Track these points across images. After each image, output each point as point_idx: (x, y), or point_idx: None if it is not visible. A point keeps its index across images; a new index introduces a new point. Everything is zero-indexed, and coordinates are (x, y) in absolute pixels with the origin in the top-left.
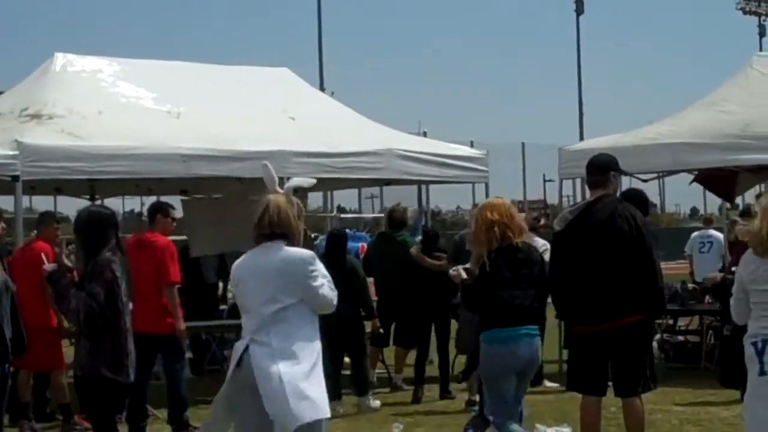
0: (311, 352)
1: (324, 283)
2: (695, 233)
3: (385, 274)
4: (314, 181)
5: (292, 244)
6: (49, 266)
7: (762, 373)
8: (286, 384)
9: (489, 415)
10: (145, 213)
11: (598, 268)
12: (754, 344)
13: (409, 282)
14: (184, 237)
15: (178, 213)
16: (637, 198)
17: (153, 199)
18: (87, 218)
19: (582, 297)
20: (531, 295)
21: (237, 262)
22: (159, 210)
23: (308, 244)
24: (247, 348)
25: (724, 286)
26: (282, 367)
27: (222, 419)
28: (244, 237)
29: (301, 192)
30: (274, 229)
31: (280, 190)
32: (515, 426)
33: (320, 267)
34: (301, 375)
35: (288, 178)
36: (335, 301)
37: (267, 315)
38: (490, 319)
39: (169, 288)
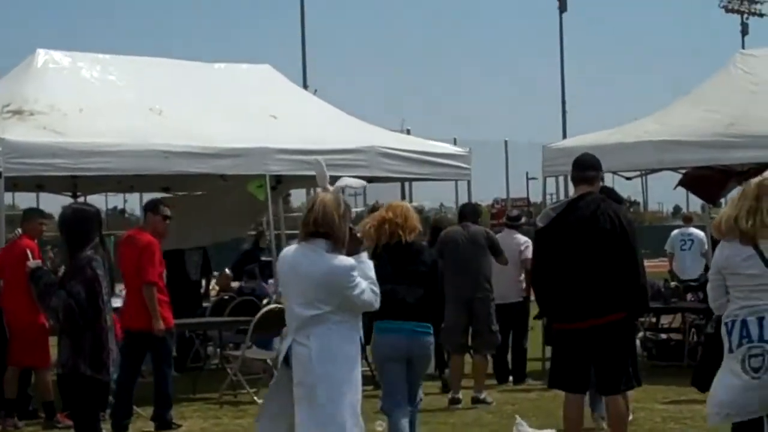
0: (349, 354)
1: (364, 288)
2: (675, 231)
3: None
4: (364, 182)
5: (335, 244)
6: (32, 263)
7: (730, 350)
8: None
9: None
10: (128, 210)
11: (581, 265)
12: (725, 324)
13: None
14: None
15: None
16: (611, 197)
17: (135, 196)
18: (71, 216)
19: (564, 294)
20: (417, 293)
21: (282, 254)
22: (149, 207)
23: (355, 243)
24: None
25: None
26: (319, 371)
27: (276, 417)
28: (221, 229)
29: (283, 190)
30: (318, 228)
31: (330, 188)
32: (403, 422)
33: (366, 268)
34: (337, 382)
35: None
36: (378, 301)
37: (306, 317)
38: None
39: (146, 287)
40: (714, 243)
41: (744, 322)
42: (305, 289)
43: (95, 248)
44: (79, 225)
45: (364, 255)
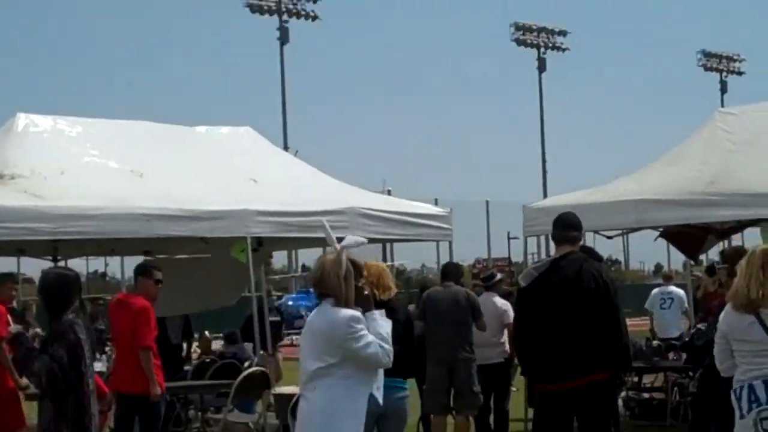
0: (352, 410)
1: (370, 341)
2: (655, 290)
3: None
4: (364, 240)
5: (339, 303)
6: (14, 328)
7: (741, 416)
8: None
9: None
10: (109, 273)
11: (564, 325)
12: (734, 391)
13: None
14: None
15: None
16: (591, 256)
17: (117, 259)
18: (52, 281)
19: (547, 354)
20: None
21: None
22: (141, 271)
23: (365, 301)
24: (297, 400)
25: (692, 343)
26: (319, 424)
27: None
28: (206, 297)
29: (265, 251)
30: (320, 289)
31: (337, 247)
32: None
33: (378, 326)
34: None
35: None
36: (388, 358)
37: (312, 370)
38: None
39: (143, 352)
40: (696, 302)
41: (751, 387)
42: (314, 343)
43: (76, 312)
44: (60, 289)
45: (378, 313)
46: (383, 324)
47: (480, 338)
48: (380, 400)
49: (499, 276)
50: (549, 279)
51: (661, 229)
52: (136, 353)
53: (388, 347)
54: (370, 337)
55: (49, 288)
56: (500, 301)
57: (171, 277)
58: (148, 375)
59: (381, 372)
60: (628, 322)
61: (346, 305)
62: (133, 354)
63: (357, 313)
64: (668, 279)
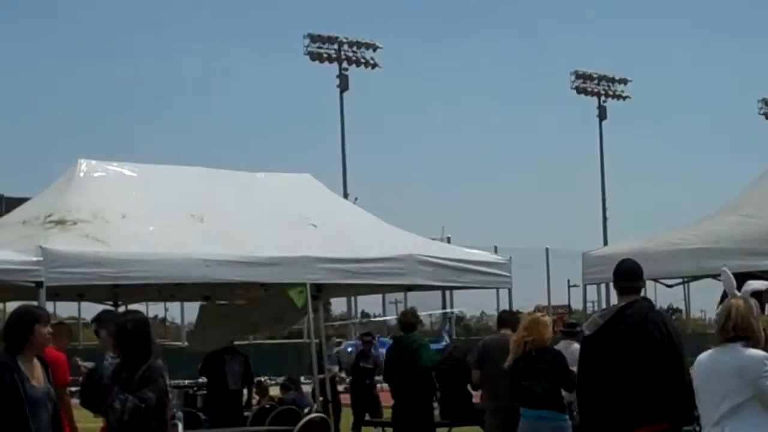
0: None
1: None
2: None
3: (395, 376)
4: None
5: (751, 344)
6: (88, 364)
7: None
8: None
9: None
10: (169, 318)
11: (627, 373)
12: None
13: (415, 385)
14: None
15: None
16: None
17: (177, 305)
18: (133, 329)
19: (608, 403)
20: (543, 385)
21: (697, 360)
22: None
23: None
24: None
25: None
26: None
27: None
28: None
29: (324, 298)
30: (738, 333)
31: (738, 294)
32: None
33: None
34: None
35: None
36: None
37: (720, 413)
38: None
39: None
40: None
41: None
42: (719, 385)
43: (160, 357)
44: (143, 337)
45: None
46: None
47: None
48: None
49: (580, 328)
50: (614, 328)
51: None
52: None
53: None
54: None
55: (132, 337)
56: (575, 345)
57: (227, 317)
58: None
59: None
60: (690, 370)
61: (756, 346)
62: None
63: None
64: None
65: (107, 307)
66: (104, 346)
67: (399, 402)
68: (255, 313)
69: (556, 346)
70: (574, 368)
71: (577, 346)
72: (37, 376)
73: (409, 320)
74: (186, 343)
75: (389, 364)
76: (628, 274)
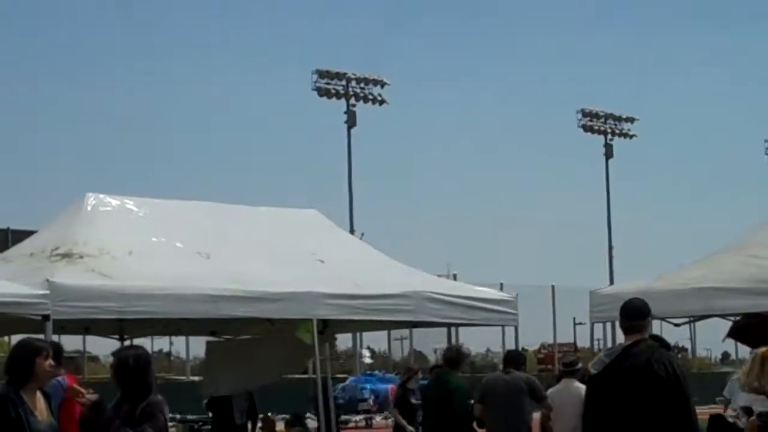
0: None
1: None
2: (735, 376)
3: (429, 412)
4: None
5: None
6: (92, 396)
7: None
8: None
9: None
10: (174, 353)
11: (634, 413)
12: None
13: (448, 425)
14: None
15: (200, 353)
16: (661, 344)
17: (182, 339)
18: (134, 364)
19: None
20: None
21: None
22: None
23: None
24: None
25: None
26: None
27: None
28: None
29: (330, 333)
30: None
31: None
32: None
33: None
34: None
35: None
36: None
37: None
38: None
39: None
40: None
41: None
42: None
43: (159, 393)
44: (144, 372)
45: None
46: None
47: (568, 427)
48: None
49: (580, 365)
50: (620, 367)
51: (731, 321)
52: None
53: None
54: None
55: (133, 372)
56: (582, 387)
57: (236, 357)
58: None
59: None
60: (696, 410)
61: None
62: None
63: None
64: None
65: (112, 340)
66: None
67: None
68: (266, 357)
69: (557, 386)
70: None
71: (577, 384)
72: (40, 409)
73: (453, 356)
74: (191, 378)
75: (425, 399)
76: (633, 313)
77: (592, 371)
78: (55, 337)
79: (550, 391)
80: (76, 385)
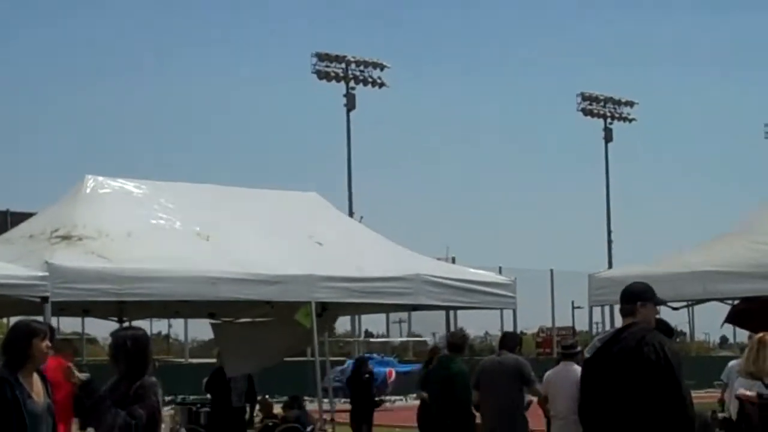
0: None
1: None
2: (733, 362)
3: (432, 393)
4: None
5: None
6: (83, 376)
7: None
8: None
9: None
10: (173, 335)
11: (625, 396)
12: None
13: (450, 408)
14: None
15: (208, 335)
16: (661, 328)
17: (180, 321)
18: (132, 345)
19: (610, 425)
20: None
21: None
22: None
23: None
24: None
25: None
26: None
27: None
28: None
29: (329, 317)
30: None
31: None
32: None
33: None
34: None
35: None
36: None
37: None
38: None
39: None
40: None
41: None
42: None
43: (154, 374)
44: (141, 353)
45: None
46: None
47: (564, 409)
48: None
49: (580, 348)
50: (610, 350)
51: (730, 306)
52: None
53: None
54: None
55: (130, 352)
56: (579, 369)
57: (236, 339)
58: None
59: None
60: (693, 394)
61: None
62: None
63: None
64: None
65: (111, 322)
66: None
67: (436, 421)
68: (272, 339)
69: (555, 368)
70: (570, 389)
71: (575, 367)
72: (37, 390)
73: (456, 341)
74: (190, 360)
75: (429, 382)
76: (624, 297)
77: (586, 355)
78: (54, 320)
79: (548, 373)
80: (71, 364)
